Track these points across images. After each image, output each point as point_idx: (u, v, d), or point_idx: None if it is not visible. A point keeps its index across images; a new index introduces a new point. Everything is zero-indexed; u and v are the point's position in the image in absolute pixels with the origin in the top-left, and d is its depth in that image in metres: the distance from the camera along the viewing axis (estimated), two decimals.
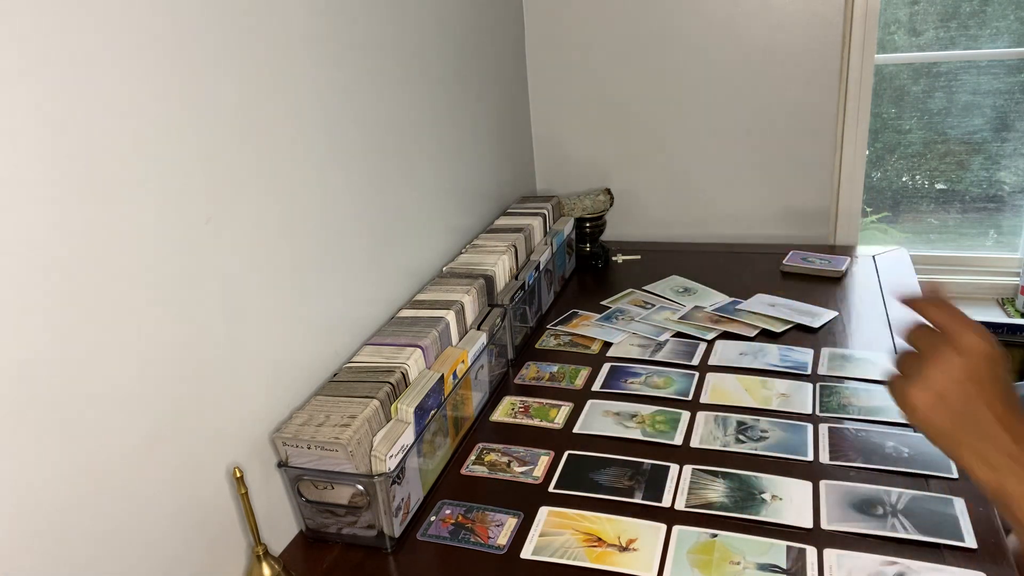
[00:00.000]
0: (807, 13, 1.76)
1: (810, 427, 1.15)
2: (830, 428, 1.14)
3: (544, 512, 1.03)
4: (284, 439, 0.95)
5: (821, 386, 1.26)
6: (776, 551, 0.92)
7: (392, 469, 0.96)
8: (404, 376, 1.07)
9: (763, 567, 0.90)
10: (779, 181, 1.93)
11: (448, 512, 1.05)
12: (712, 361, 1.37)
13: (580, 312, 1.62)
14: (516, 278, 1.49)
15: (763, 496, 1.01)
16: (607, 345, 1.47)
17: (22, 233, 0.66)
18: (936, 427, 0.65)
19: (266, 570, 0.90)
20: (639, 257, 1.93)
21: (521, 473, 1.12)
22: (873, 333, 1.43)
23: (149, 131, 0.79)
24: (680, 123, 1.95)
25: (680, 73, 1.90)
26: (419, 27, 1.39)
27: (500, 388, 1.36)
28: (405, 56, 1.34)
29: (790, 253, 1.82)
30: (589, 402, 1.28)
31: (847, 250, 1.86)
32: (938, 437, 0.65)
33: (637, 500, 1.03)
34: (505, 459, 1.15)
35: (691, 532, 0.96)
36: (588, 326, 1.55)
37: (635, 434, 1.18)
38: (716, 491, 1.03)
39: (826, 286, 1.66)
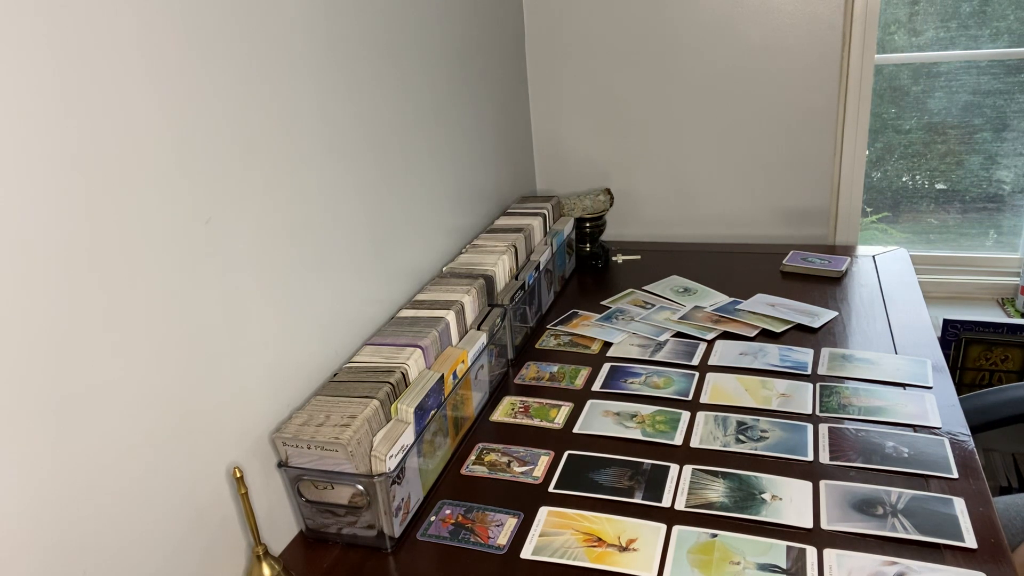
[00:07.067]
0: (807, 14, 1.76)
1: (810, 427, 1.15)
2: (830, 428, 1.14)
3: (544, 512, 1.03)
4: (284, 439, 0.95)
5: (821, 386, 1.26)
6: (776, 551, 0.92)
7: (392, 469, 0.96)
8: (404, 376, 1.07)
9: (763, 567, 0.90)
10: (779, 181, 1.93)
11: (448, 512, 1.05)
12: (712, 361, 1.37)
13: (580, 312, 1.62)
14: (516, 278, 1.49)
15: (763, 496, 1.01)
16: (607, 345, 1.47)
17: (23, 233, 0.66)
18: None
19: (266, 570, 0.90)
20: (639, 257, 1.93)
21: (521, 473, 1.12)
22: (873, 333, 1.43)
23: (150, 132, 0.79)
24: (680, 123, 1.95)
25: (680, 73, 1.90)
26: (419, 27, 1.39)
27: (500, 388, 1.36)
28: (405, 56, 1.34)
29: (790, 253, 1.82)
30: (589, 402, 1.28)
31: (847, 250, 1.86)
32: None
33: (637, 500, 1.03)
34: (505, 459, 1.15)
35: (691, 532, 0.96)
36: (588, 326, 1.55)
37: (635, 434, 1.18)
38: (716, 491, 1.03)
39: (826, 286, 1.66)
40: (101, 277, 0.74)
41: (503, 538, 0.99)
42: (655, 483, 1.06)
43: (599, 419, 1.23)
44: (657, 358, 1.40)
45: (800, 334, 1.45)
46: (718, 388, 1.28)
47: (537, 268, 1.56)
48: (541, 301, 1.61)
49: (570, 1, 1.91)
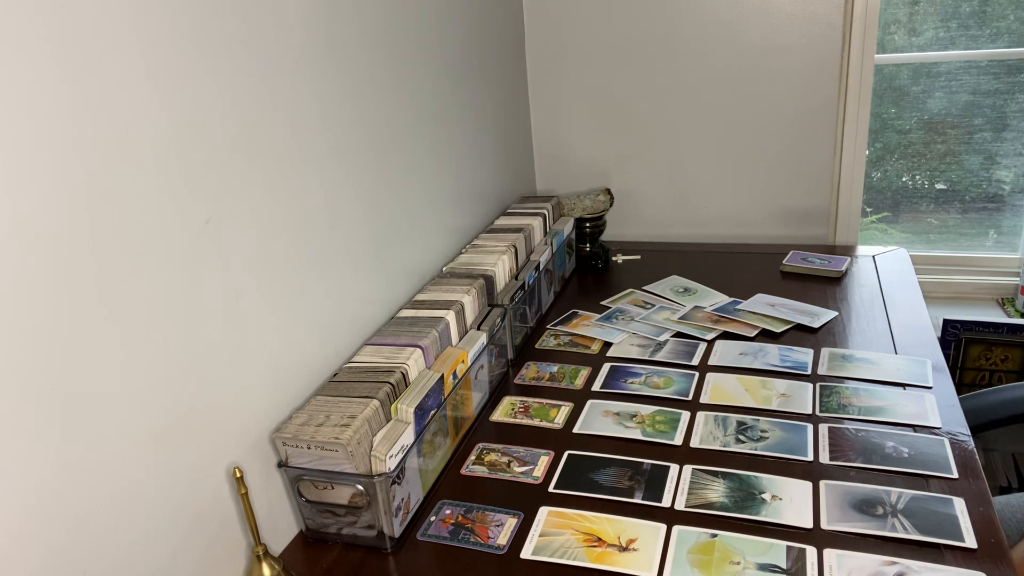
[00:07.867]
0: (807, 13, 1.76)
1: (810, 427, 1.15)
2: (830, 428, 1.14)
3: (544, 512, 1.03)
4: (284, 439, 0.95)
5: (821, 386, 1.26)
6: (776, 551, 0.92)
7: (392, 469, 0.96)
8: (404, 376, 1.07)
9: (763, 567, 0.90)
10: (779, 181, 1.93)
11: (448, 512, 1.05)
12: (712, 361, 1.37)
13: (580, 312, 1.62)
14: (516, 278, 1.49)
15: (763, 496, 1.01)
16: (607, 345, 1.47)
17: (24, 232, 0.66)
18: None
19: (266, 570, 0.90)
20: (639, 257, 1.93)
21: (521, 473, 1.12)
22: (873, 333, 1.43)
23: (150, 132, 0.79)
24: (680, 123, 1.95)
25: (680, 73, 1.90)
26: (419, 27, 1.39)
27: (500, 388, 1.36)
28: (405, 56, 1.34)
29: (790, 253, 1.82)
30: (589, 402, 1.28)
31: (847, 250, 1.86)
32: None
33: (637, 500, 1.03)
34: (505, 459, 1.15)
35: (691, 532, 0.96)
36: (588, 326, 1.55)
37: (635, 434, 1.18)
38: (716, 491, 1.03)
39: (826, 286, 1.66)
40: (101, 277, 0.74)
41: (503, 538, 0.99)
42: (655, 483, 1.06)
43: (599, 419, 1.23)
44: (657, 358, 1.40)
45: (800, 334, 1.45)
46: (718, 388, 1.28)
47: (537, 268, 1.56)
48: (541, 301, 1.61)
49: (570, 1, 1.91)
